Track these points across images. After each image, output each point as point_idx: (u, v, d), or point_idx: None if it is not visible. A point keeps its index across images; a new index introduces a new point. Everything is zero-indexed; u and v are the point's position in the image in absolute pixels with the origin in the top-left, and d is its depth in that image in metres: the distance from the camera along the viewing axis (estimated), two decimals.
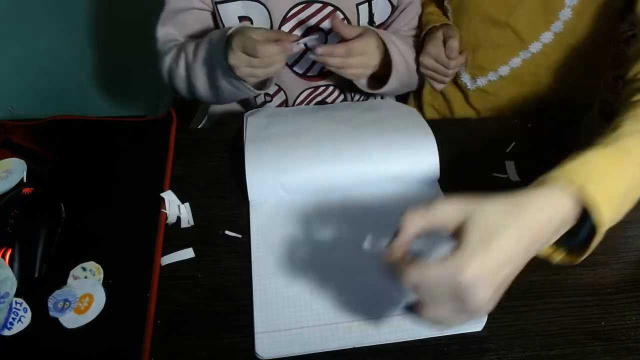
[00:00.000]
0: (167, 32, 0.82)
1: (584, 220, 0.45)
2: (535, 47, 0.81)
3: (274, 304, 0.57)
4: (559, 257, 0.49)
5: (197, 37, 0.82)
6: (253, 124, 0.73)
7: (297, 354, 0.53)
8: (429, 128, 0.70)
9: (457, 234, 0.43)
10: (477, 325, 0.55)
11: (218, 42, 0.72)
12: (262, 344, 0.54)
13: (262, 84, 0.76)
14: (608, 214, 0.43)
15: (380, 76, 0.80)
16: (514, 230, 0.42)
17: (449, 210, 0.44)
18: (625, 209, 0.47)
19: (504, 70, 0.85)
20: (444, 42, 0.79)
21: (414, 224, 0.45)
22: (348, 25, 0.76)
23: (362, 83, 0.81)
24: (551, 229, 0.44)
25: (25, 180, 0.69)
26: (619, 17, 0.78)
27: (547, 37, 0.79)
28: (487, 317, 0.55)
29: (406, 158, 0.68)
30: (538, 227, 0.43)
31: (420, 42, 0.84)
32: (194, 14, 0.81)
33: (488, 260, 0.41)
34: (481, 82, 0.88)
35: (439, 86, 0.86)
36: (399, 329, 0.55)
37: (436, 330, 0.55)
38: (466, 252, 0.41)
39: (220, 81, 0.74)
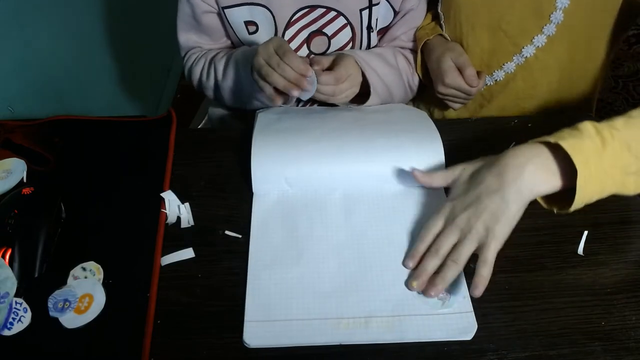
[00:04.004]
0: (188, 38, 0.85)
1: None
2: (528, 51, 0.81)
3: (267, 295, 0.57)
4: (554, 207, 0.59)
5: (218, 38, 0.85)
6: (263, 119, 0.73)
7: (283, 345, 0.54)
8: (437, 132, 0.69)
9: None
10: (467, 334, 0.55)
11: (245, 66, 0.75)
12: (251, 332, 0.54)
13: (287, 98, 0.76)
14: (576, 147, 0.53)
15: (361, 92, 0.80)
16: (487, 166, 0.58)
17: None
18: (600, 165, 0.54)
19: (498, 75, 0.86)
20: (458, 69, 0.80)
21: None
22: (322, 57, 0.77)
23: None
24: (524, 165, 0.55)
25: (25, 180, 0.69)
26: (615, 16, 0.78)
27: (540, 40, 0.79)
28: (476, 327, 0.55)
29: (411, 160, 0.67)
30: (508, 165, 0.56)
31: (417, 58, 0.86)
32: (208, 17, 0.81)
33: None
34: None
35: (459, 107, 0.87)
36: (388, 329, 0.55)
37: (423, 334, 0.54)
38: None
39: (251, 101, 0.80)
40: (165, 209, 0.66)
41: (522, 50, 0.81)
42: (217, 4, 0.78)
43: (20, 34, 0.99)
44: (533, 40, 0.80)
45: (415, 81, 0.88)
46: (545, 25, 0.78)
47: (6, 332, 0.55)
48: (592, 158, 0.53)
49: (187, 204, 0.67)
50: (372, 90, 0.78)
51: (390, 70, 0.83)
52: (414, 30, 0.87)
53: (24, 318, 0.56)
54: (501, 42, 0.81)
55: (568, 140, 0.54)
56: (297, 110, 0.78)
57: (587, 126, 0.55)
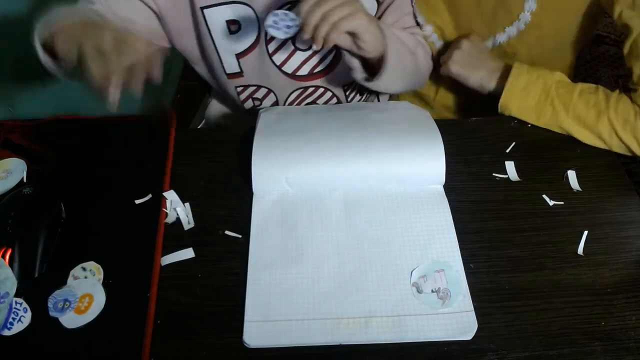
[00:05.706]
0: None
1: None
2: (501, 37, 0.83)
3: (267, 295, 0.58)
4: None
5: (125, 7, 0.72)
6: (265, 119, 0.73)
7: (283, 345, 0.54)
8: (439, 133, 0.69)
9: None
10: (467, 334, 0.55)
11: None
12: (251, 332, 0.55)
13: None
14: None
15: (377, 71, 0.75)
16: None
17: None
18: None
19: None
20: None
21: None
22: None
23: (359, 76, 0.76)
24: None
25: (25, 180, 0.69)
26: (590, 18, 0.80)
27: (510, 31, 0.81)
28: (476, 326, 0.55)
29: (412, 161, 0.67)
30: None
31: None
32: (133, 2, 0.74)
33: None
34: None
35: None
36: (388, 329, 0.55)
37: (423, 334, 0.55)
38: None
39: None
40: (165, 209, 0.66)
41: (496, 36, 0.83)
42: (193, 4, 0.75)
43: (20, 34, 0.99)
44: (506, 29, 0.82)
45: (424, 60, 0.85)
46: (514, 22, 0.80)
47: (6, 332, 0.55)
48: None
49: (187, 204, 0.67)
50: (387, 52, 0.70)
51: (403, 45, 0.78)
52: (406, 18, 0.84)
53: (24, 318, 0.56)
54: (478, 25, 0.83)
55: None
56: (298, 110, 0.78)
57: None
